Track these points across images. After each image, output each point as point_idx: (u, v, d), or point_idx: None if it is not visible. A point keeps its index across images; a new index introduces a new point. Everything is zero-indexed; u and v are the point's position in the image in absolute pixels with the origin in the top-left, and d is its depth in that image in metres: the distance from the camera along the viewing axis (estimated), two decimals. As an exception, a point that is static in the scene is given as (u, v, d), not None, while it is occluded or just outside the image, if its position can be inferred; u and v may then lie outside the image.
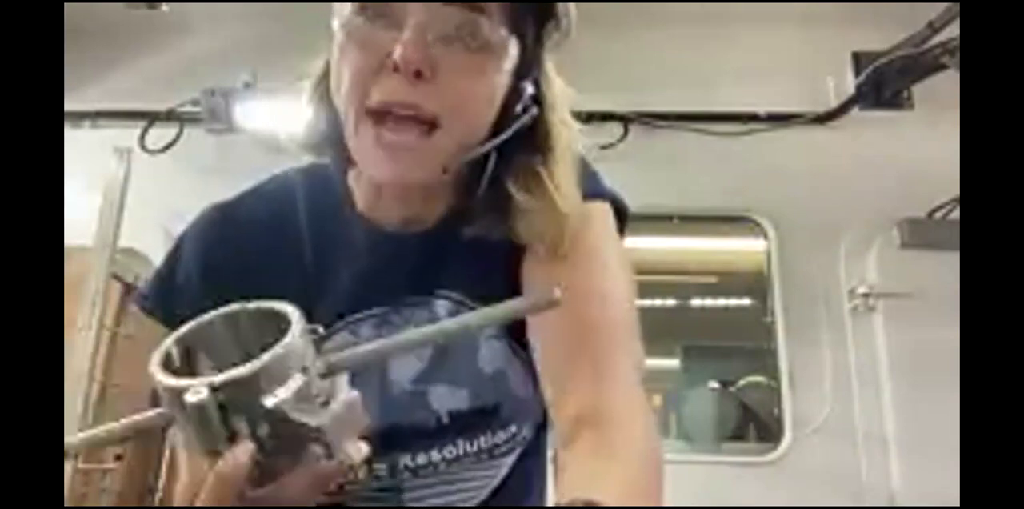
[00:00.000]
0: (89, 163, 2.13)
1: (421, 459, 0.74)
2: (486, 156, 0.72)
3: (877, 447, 2.38)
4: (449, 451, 0.74)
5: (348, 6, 0.65)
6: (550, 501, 0.85)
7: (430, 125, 0.65)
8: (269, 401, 0.45)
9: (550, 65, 0.74)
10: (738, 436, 3.00)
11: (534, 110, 0.71)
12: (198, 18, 2.81)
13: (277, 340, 0.47)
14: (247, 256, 0.76)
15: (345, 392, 0.49)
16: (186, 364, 0.50)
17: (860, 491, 2.35)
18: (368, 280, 0.75)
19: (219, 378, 0.45)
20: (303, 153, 0.78)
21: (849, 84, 2.75)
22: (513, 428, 0.76)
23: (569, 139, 0.73)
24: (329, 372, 0.49)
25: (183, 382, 0.45)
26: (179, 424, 0.47)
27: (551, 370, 0.69)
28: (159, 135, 2.78)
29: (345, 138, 0.69)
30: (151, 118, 2.79)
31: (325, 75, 0.72)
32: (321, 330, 0.51)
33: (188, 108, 2.76)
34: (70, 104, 2.39)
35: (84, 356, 2.03)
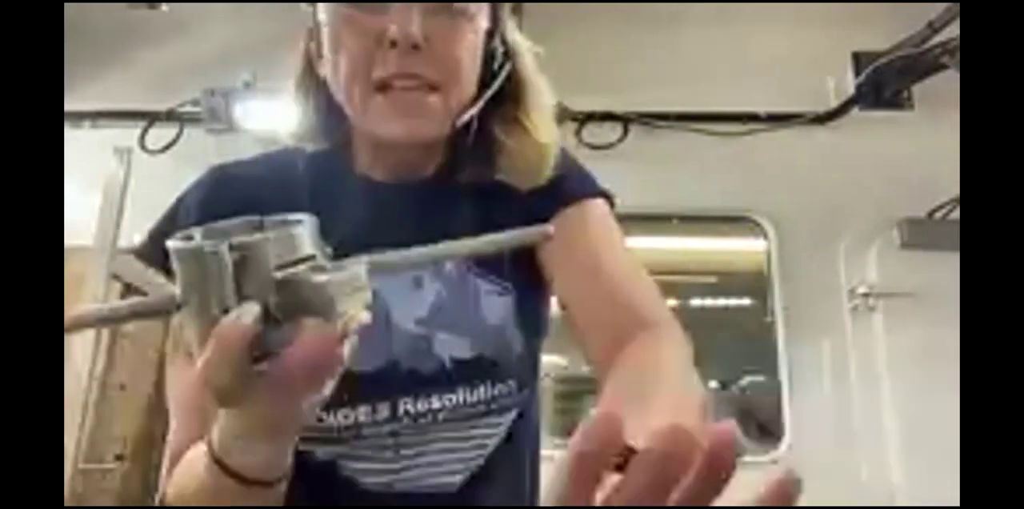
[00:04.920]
0: (89, 163, 2.13)
1: (422, 405, 0.75)
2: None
3: (877, 447, 2.39)
4: (449, 399, 0.75)
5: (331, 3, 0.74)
6: (544, 465, 0.84)
7: (431, 88, 0.75)
8: (280, 270, 0.46)
9: (511, 23, 0.84)
10: (738, 436, 3.00)
11: (509, 65, 0.82)
12: (198, 18, 2.81)
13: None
14: (246, 208, 0.79)
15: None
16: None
17: (860, 491, 2.35)
18: (369, 227, 0.80)
19: (236, 240, 0.46)
20: (301, 143, 0.85)
21: (849, 84, 2.75)
22: (512, 383, 0.78)
23: (540, 85, 0.83)
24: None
25: (200, 242, 0.46)
26: (192, 288, 0.46)
27: (590, 319, 0.76)
28: (159, 135, 2.78)
29: (351, 118, 0.78)
30: (151, 118, 2.80)
31: (305, 72, 0.82)
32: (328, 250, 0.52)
33: (188, 108, 2.76)
34: (70, 104, 2.39)
35: (84, 356, 2.03)
